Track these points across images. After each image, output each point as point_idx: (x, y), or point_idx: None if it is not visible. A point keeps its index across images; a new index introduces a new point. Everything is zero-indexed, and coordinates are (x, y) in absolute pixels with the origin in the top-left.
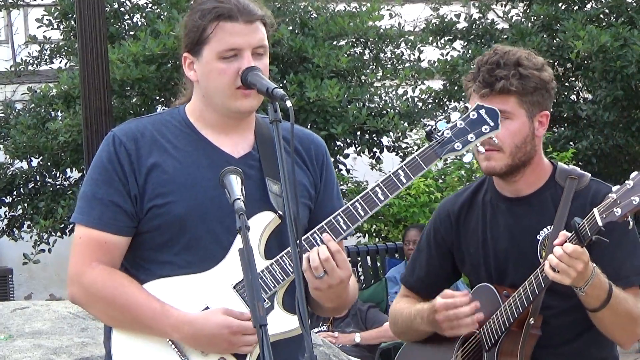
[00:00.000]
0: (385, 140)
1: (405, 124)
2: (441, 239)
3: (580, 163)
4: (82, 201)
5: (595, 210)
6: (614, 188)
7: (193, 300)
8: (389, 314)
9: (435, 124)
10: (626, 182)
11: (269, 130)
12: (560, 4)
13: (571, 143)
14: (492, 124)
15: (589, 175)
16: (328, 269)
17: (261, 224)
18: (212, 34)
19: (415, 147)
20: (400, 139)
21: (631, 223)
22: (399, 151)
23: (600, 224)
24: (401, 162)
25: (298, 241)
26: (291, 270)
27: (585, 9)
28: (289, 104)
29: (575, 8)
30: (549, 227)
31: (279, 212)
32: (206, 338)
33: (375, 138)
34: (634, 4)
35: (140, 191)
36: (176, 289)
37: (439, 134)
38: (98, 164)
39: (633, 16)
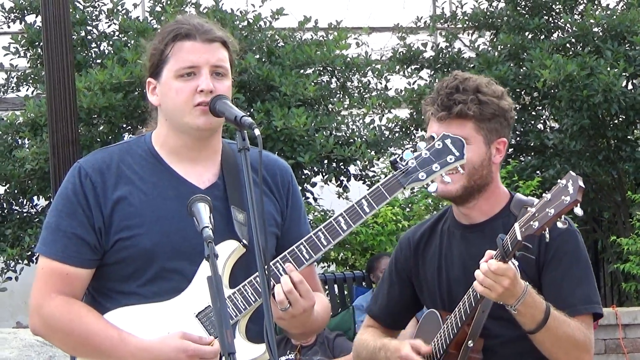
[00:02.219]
0: (352, 169)
1: (373, 152)
2: (401, 267)
3: (546, 192)
4: (46, 232)
5: (515, 224)
6: (535, 202)
7: (155, 328)
8: (353, 345)
9: (402, 153)
10: (544, 194)
11: (235, 158)
12: (526, 33)
13: (538, 172)
14: (457, 154)
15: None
16: (292, 300)
17: (225, 252)
18: (170, 53)
19: (383, 176)
20: (368, 167)
21: (582, 249)
22: (366, 180)
23: (519, 238)
24: (368, 190)
25: (267, 270)
26: (253, 299)
27: (552, 38)
28: (257, 132)
29: (541, 37)
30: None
31: (244, 241)
32: None
33: (342, 166)
34: (600, 34)
35: (105, 224)
36: (139, 318)
37: (404, 163)
38: (63, 195)
39: (599, 45)
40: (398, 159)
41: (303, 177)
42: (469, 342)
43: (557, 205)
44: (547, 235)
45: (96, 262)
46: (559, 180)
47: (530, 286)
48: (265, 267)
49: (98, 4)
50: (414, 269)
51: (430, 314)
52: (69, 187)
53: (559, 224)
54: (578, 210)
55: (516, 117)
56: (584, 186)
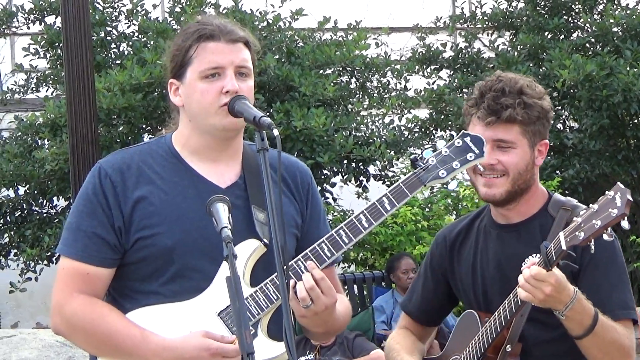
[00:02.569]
0: (371, 169)
1: (392, 152)
2: (436, 264)
3: (566, 192)
4: (67, 232)
5: (561, 233)
6: (582, 212)
7: (177, 328)
8: (386, 344)
9: (422, 152)
10: (591, 205)
11: (256, 159)
12: (546, 33)
13: (557, 172)
14: (477, 151)
15: (583, 206)
16: (313, 297)
17: (246, 252)
18: (194, 54)
19: (402, 176)
20: (387, 167)
21: (618, 255)
22: (386, 180)
23: (564, 247)
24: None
25: (285, 270)
26: (275, 297)
27: (571, 38)
28: (275, 132)
29: (561, 37)
30: (534, 255)
31: (265, 240)
32: None
33: (361, 167)
34: (620, 33)
35: (125, 223)
36: (161, 317)
37: (424, 161)
38: (83, 196)
39: (619, 45)
40: (418, 157)
41: (322, 177)
42: (507, 346)
43: (604, 217)
44: (593, 247)
45: (117, 261)
46: (607, 192)
47: (579, 292)
48: (285, 267)
49: (118, 5)
50: (449, 267)
51: (469, 314)
52: (89, 187)
53: (605, 237)
54: (625, 224)
55: None
56: (631, 199)
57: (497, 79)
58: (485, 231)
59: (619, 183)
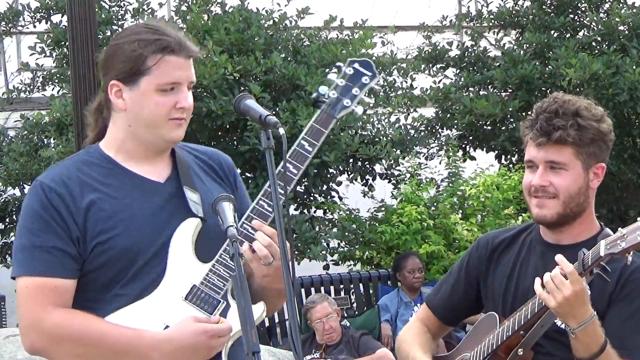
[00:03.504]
0: (377, 168)
1: (398, 151)
2: (473, 265)
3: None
4: (21, 254)
5: (602, 241)
6: (630, 225)
7: (151, 323)
8: (400, 334)
9: (317, 89)
10: (638, 219)
11: (182, 154)
12: (552, 32)
13: None
14: (369, 73)
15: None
16: (273, 253)
17: (189, 230)
18: (154, 66)
19: (408, 175)
20: (393, 166)
21: None
22: (392, 178)
23: (602, 253)
24: (393, 189)
25: (292, 274)
26: (227, 275)
27: (577, 36)
28: (281, 131)
29: (567, 36)
30: None
31: (200, 215)
32: (187, 350)
33: (367, 165)
34: (626, 32)
35: (81, 232)
36: (132, 319)
37: (326, 97)
38: (30, 214)
39: (625, 44)
40: (318, 96)
41: (328, 176)
42: (519, 350)
43: None
44: (630, 259)
45: (79, 272)
46: None
47: (596, 316)
48: (290, 268)
49: (124, 4)
50: (485, 272)
51: (490, 316)
52: (34, 205)
53: None
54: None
55: None
56: None
57: (553, 100)
58: (530, 245)
59: None
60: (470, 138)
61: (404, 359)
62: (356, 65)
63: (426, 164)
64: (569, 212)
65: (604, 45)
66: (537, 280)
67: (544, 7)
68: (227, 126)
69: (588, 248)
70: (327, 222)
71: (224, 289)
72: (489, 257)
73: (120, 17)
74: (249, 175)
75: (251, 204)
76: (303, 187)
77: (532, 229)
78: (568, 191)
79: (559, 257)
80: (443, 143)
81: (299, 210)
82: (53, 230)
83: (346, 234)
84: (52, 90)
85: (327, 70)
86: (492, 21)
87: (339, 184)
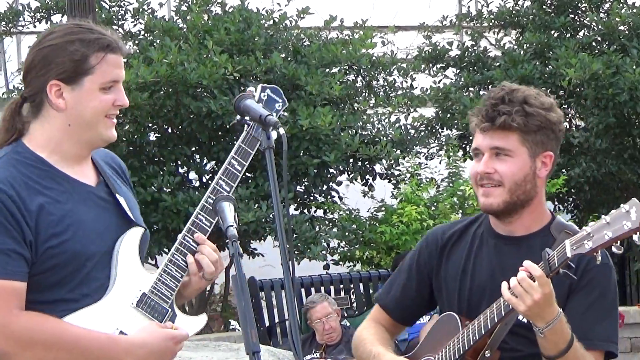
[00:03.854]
0: (377, 168)
1: (398, 151)
2: (423, 262)
3: (572, 190)
4: None
5: (567, 241)
6: (591, 223)
7: (104, 328)
8: (356, 334)
9: (237, 117)
10: (603, 217)
11: (96, 154)
12: (552, 32)
13: (563, 170)
14: (280, 100)
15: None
16: (217, 267)
17: (135, 240)
18: (97, 65)
19: (408, 175)
20: (393, 166)
21: (614, 285)
22: (392, 178)
23: (569, 254)
24: (393, 189)
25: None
26: (179, 275)
27: (577, 36)
28: (282, 131)
29: (567, 36)
30: None
31: (143, 226)
32: (157, 354)
33: (367, 165)
34: (626, 32)
35: (34, 235)
36: (84, 323)
37: (247, 120)
38: None
39: (625, 44)
40: (238, 120)
41: (328, 176)
42: (487, 352)
43: (616, 229)
44: (599, 258)
45: (28, 275)
46: (621, 205)
47: (562, 314)
48: (290, 270)
49: (124, 4)
50: (436, 268)
51: (449, 317)
52: None
53: (614, 249)
54: (636, 237)
55: None
56: None
57: (501, 88)
58: (482, 238)
59: (634, 198)
60: (471, 138)
61: (364, 356)
62: (269, 92)
63: (426, 164)
64: (516, 200)
65: (604, 45)
66: (504, 284)
67: (544, 7)
68: (227, 126)
69: (541, 238)
70: (327, 222)
71: (171, 299)
72: (440, 253)
73: (120, 17)
74: (249, 175)
75: (192, 216)
76: (303, 187)
77: (481, 221)
78: (513, 178)
79: (527, 263)
80: (443, 143)
81: (299, 210)
82: (9, 233)
83: (346, 234)
84: None
85: (326, 70)
86: (492, 21)
87: (339, 184)
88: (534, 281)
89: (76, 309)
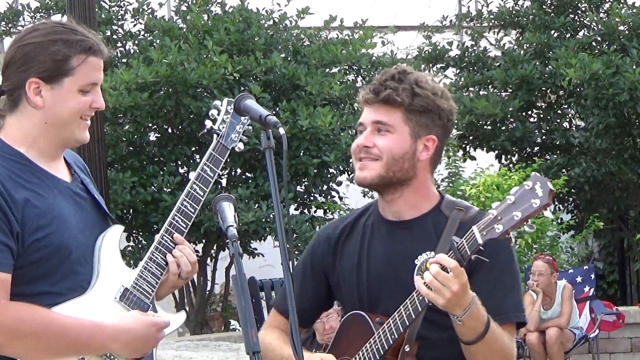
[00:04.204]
0: None
1: None
2: (317, 262)
3: (572, 190)
4: None
5: (474, 227)
6: (494, 205)
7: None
8: (260, 342)
9: (210, 125)
10: (507, 197)
11: (64, 153)
12: (552, 32)
13: (564, 170)
14: (244, 120)
15: (476, 208)
16: (194, 270)
17: (115, 238)
18: (78, 67)
19: None
20: None
21: (514, 256)
22: None
23: (480, 241)
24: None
25: (293, 279)
26: (159, 273)
27: (577, 36)
28: (282, 131)
29: (567, 36)
30: (428, 252)
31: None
32: (141, 341)
33: None
34: (626, 32)
35: (20, 227)
36: (70, 315)
37: (217, 130)
38: None
39: (625, 44)
40: (209, 129)
41: (328, 176)
42: (406, 346)
43: (524, 208)
44: (513, 238)
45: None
46: (524, 182)
47: (477, 297)
48: (290, 271)
49: (124, 4)
50: (331, 265)
51: (357, 316)
52: None
53: (526, 228)
54: (548, 213)
55: (542, 116)
56: (553, 189)
57: (395, 67)
58: (373, 228)
59: (534, 173)
60: (471, 138)
61: None
62: (231, 109)
63: None
64: (392, 177)
65: (604, 45)
66: (418, 279)
67: (544, 7)
68: None
69: (433, 219)
70: (327, 222)
71: (152, 295)
72: (333, 249)
73: (120, 17)
74: (249, 175)
75: (169, 218)
76: (303, 187)
77: (370, 212)
78: (391, 153)
79: (439, 256)
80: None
81: (299, 210)
82: None
83: None
84: None
85: (326, 70)
86: (492, 21)
87: (339, 184)
88: (449, 273)
89: (61, 302)
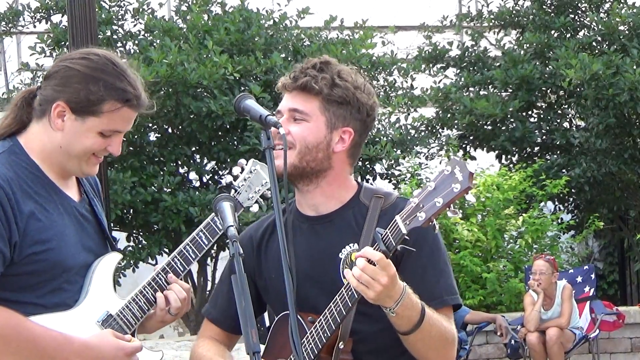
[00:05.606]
0: (378, 168)
1: (398, 151)
2: (244, 266)
3: (572, 190)
4: None
5: (397, 217)
6: (415, 192)
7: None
8: (190, 354)
9: (229, 181)
10: (427, 183)
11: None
12: (552, 32)
13: (564, 170)
14: (267, 179)
15: (396, 193)
16: (185, 306)
17: (112, 265)
18: (108, 112)
19: (408, 175)
20: (393, 166)
21: (440, 239)
22: (392, 178)
23: (404, 231)
24: (393, 189)
25: (294, 282)
26: (146, 308)
27: (578, 36)
28: (282, 131)
29: (567, 36)
30: (352, 244)
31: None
32: None
33: (368, 165)
34: (626, 32)
35: (20, 238)
36: (48, 326)
37: (236, 187)
38: None
39: (625, 44)
40: (227, 183)
41: None
42: (340, 343)
43: (445, 194)
44: (437, 225)
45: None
46: (443, 168)
47: (408, 287)
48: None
49: (124, 4)
50: (257, 268)
51: (288, 317)
52: None
53: (450, 214)
54: (471, 197)
55: (542, 116)
56: (473, 171)
57: (319, 57)
58: (294, 226)
59: (453, 157)
60: (471, 138)
61: None
62: (258, 167)
63: (426, 164)
64: (305, 166)
65: (604, 45)
66: (348, 272)
67: (544, 7)
68: (227, 126)
69: (353, 209)
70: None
71: (134, 327)
72: (257, 252)
73: (120, 17)
74: None
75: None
76: None
77: (290, 210)
78: (305, 141)
79: (364, 250)
80: (443, 143)
81: None
82: None
83: None
84: None
85: None
86: (492, 21)
87: None
88: (375, 266)
89: (46, 313)
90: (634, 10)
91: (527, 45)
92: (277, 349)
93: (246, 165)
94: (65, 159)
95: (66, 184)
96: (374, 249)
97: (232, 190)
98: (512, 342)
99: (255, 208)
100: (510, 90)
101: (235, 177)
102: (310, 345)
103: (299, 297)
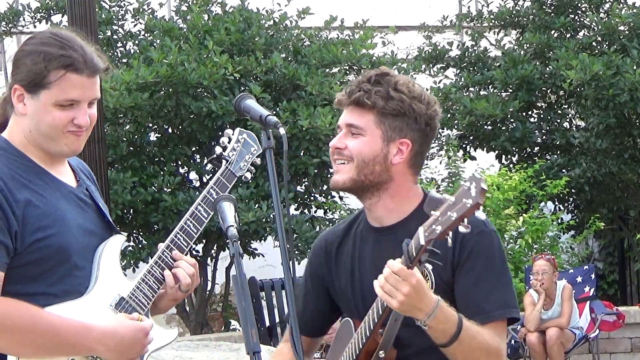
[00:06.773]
0: None
1: None
2: (315, 273)
3: (573, 190)
4: None
5: (420, 228)
6: (443, 205)
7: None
8: (270, 357)
9: (220, 151)
10: (448, 198)
11: (70, 160)
12: (552, 32)
13: (564, 170)
14: (256, 147)
15: None
16: (194, 281)
17: (117, 248)
18: (55, 82)
19: None
20: None
21: (498, 246)
22: None
23: (422, 242)
24: None
25: (293, 277)
26: (156, 287)
27: (578, 37)
28: (282, 131)
29: (567, 36)
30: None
31: (124, 234)
32: (127, 345)
33: None
34: (626, 32)
35: (20, 227)
36: (64, 315)
37: (227, 157)
38: None
39: (625, 44)
40: (221, 154)
41: (328, 176)
42: (380, 352)
43: (459, 208)
44: (450, 240)
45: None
46: (462, 182)
47: (442, 300)
48: (290, 270)
49: (124, 4)
50: (328, 275)
51: (345, 323)
52: None
53: (461, 229)
54: (480, 214)
55: (542, 116)
56: (486, 188)
57: (375, 70)
58: (362, 236)
59: (474, 173)
60: (471, 138)
61: None
62: (245, 136)
63: (426, 164)
64: (364, 180)
65: (604, 46)
66: (376, 282)
67: (544, 7)
68: (227, 126)
69: (416, 221)
70: (327, 222)
71: (147, 307)
72: (327, 259)
73: (120, 17)
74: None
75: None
76: (304, 187)
77: (360, 220)
78: (361, 155)
79: (389, 261)
80: (443, 143)
81: (299, 210)
82: None
83: None
84: None
85: (327, 70)
86: (493, 21)
87: None
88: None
89: (56, 303)
90: (634, 11)
91: (527, 45)
92: (334, 353)
93: (233, 134)
94: (42, 141)
95: (60, 171)
96: (402, 260)
97: (224, 161)
98: (512, 342)
99: (248, 175)
100: (510, 91)
101: (224, 148)
102: (352, 351)
103: (365, 306)
